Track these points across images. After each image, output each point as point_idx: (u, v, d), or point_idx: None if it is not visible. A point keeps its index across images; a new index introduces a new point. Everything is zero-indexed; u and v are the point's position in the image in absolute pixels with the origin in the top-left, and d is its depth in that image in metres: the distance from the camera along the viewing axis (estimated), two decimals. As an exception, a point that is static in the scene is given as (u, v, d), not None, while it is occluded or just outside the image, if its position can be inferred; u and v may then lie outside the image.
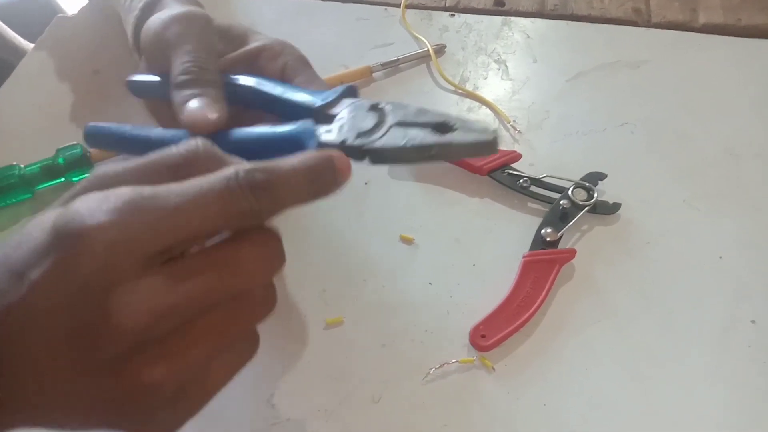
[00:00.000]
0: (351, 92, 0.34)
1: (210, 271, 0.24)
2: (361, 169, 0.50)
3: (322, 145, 0.30)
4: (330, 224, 0.47)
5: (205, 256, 0.25)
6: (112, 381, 0.23)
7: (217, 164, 0.26)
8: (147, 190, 0.24)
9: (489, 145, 0.28)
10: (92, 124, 0.37)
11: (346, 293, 0.44)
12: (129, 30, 0.47)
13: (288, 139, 0.31)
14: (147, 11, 0.44)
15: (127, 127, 0.36)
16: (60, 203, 0.25)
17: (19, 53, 0.69)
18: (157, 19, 0.38)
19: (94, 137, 0.37)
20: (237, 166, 0.25)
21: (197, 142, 0.26)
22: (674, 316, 0.42)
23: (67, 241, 0.22)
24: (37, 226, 0.24)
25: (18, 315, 0.23)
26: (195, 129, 0.33)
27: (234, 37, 0.40)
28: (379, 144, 0.29)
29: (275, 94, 0.35)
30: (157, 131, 0.36)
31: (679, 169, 0.49)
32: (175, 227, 0.23)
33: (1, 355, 0.23)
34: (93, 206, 0.23)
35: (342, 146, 0.30)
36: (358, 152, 0.29)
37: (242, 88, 0.37)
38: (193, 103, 0.33)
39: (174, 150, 0.26)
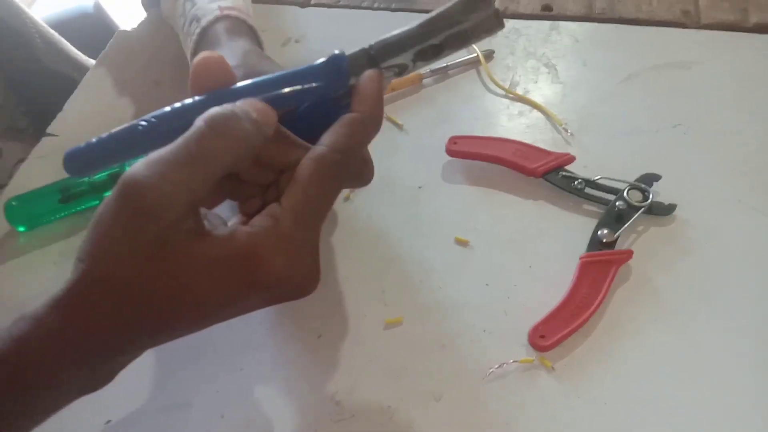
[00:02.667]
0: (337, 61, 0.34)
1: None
2: (414, 174, 0.51)
3: (354, 59, 0.33)
4: (386, 228, 0.48)
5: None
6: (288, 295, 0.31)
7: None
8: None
9: (491, 17, 0.32)
10: (67, 152, 0.34)
11: (404, 294, 0.45)
12: (188, 54, 0.49)
13: (319, 71, 0.33)
14: (204, 36, 0.47)
15: (106, 136, 0.33)
16: None
17: (80, 69, 0.73)
18: None
19: (74, 163, 0.34)
20: (328, 156, 0.30)
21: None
22: (732, 317, 0.42)
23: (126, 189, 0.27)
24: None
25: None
26: (207, 70, 0.33)
27: None
28: (391, 35, 0.33)
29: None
30: (139, 130, 0.33)
31: (733, 169, 0.49)
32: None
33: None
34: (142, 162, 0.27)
35: (367, 52, 0.33)
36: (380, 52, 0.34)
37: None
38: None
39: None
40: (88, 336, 0.27)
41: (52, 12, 1.02)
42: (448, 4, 0.33)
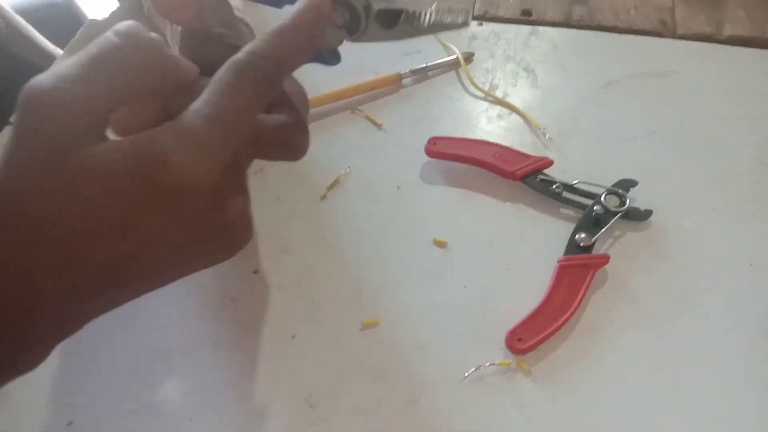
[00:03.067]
0: None
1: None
2: (393, 174, 0.50)
3: None
4: (364, 227, 0.48)
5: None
6: (208, 225, 0.27)
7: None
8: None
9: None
10: None
11: (382, 295, 0.44)
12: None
13: None
14: None
15: None
16: None
17: (47, 57, 0.70)
18: None
19: None
20: (247, 59, 0.27)
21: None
22: (708, 321, 0.42)
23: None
24: None
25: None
26: None
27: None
28: None
29: None
30: None
31: (710, 177, 0.50)
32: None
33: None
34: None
35: None
36: None
37: None
38: None
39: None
40: (9, 283, 0.24)
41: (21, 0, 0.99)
42: None
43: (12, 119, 0.25)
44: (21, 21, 0.70)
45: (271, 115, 0.32)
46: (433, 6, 0.34)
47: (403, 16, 0.34)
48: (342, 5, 0.32)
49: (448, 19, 0.34)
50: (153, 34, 0.27)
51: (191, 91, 0.28)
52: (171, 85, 0.28)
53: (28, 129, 0.24)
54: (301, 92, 0.35)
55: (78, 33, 0.67)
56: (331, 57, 0.34)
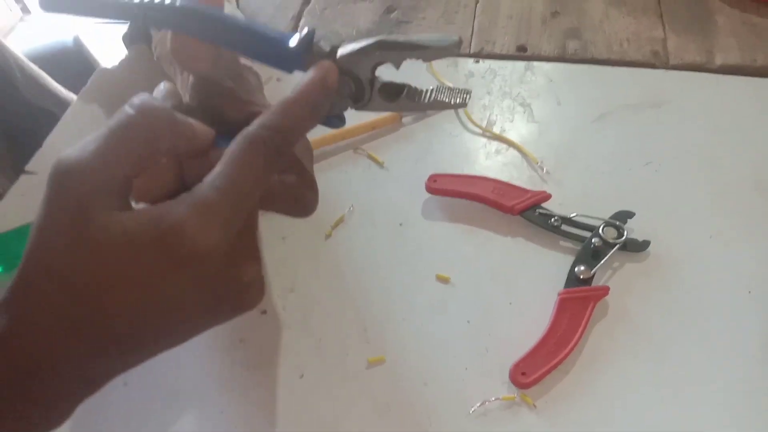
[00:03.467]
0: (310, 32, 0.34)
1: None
2: (395, 211, 0.52)
3: (317, 44, 0.33)
4: (368, 265, 0.49)
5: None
6: (222, 288, 0.29)
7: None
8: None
9: (453, 46, 0.33)
10: None
11: (387, 332, 0.45)
12: None
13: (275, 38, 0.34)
14: None
15: None
16: None
17: (60, 103, 0.73)
18: None
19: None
20: (257, 132, 0.29)
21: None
22: (709, 349, 0.43)
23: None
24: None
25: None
26: None
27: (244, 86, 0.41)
28: (351, 45, 0.33)
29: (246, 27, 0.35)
30: None
31: (706, 205, 0.50)
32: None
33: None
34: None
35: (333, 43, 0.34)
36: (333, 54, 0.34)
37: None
38: None
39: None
40: (36, 338, 0.26)
41: (32, 46, 1.02)
42: (423, 39, 0.34)
43: (27, 167, 0.27)
44: (35, 69, 0.73)
45: (282, 176, 0.34)
46: (435, 85, 0.36)
47: (405, 92, 0.35)
48: (348, 77, 0.34)
49: (448, 99, 0.36)
50: (167, 104, 0.29)
51: (206, 154, 0.30)
52: (186, 150, 0.30)
53: (55, 197, 0.26)
54: (308, 148, 0.36)
55: (89, 81, 0.69)
56: (335, 121, 0.36)
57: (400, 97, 0.35)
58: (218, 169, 0.28)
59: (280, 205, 0.35)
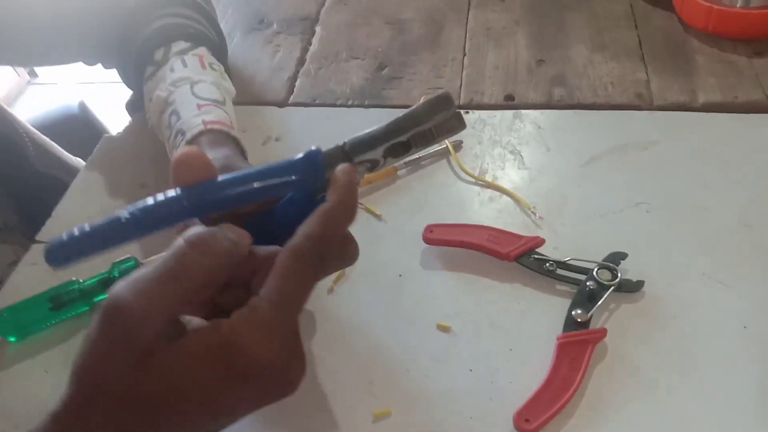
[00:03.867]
0: (312, 156, 0.36)
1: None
2: (394, 262, 0.53)
3: (329, 155, 0.36)
4: (370, 317, 0.50)
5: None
6: (272, 387, 0.32)
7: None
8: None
9: (453, 118, 0.36)
10: (49, 244, 0.34)
11: (392, 384, 0.46)
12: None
13: (296, 165, 0.35)
14: None
15: (88, 229, 0.34)
16: None
17: (68, 170, 0.75)
18: None
19: (56, 255, 0.34)
20: (303, 245, 0.32)
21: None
22: (709, 386, 0.43)
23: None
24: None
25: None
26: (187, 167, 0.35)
27: None
28: (362, 134, 0.36)
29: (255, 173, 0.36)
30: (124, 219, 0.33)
31: (697, 243, 0.52)
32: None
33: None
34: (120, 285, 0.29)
35: (341, 148, 0.36)
36: (354, 150, 0.36)
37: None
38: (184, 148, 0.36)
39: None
40: None
41: (39, 113, 1.06)
42: (415, 106, 0.37)
43: (96, 321, 0.29)
44: (46, 140, 0.76)
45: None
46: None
47: (411, 149, 0.38)
48: (366, 162, 0.37)
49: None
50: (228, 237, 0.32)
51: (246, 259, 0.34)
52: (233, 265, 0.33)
53: (110, 329, 0.29)
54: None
55: (96, 148, 0.72)
56: None
57: (408, 152, 0.38)
58: (272, 284, 0.31)
59: (329, 269, 0.39)
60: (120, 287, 0.29)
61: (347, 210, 0.34)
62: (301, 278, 0.32)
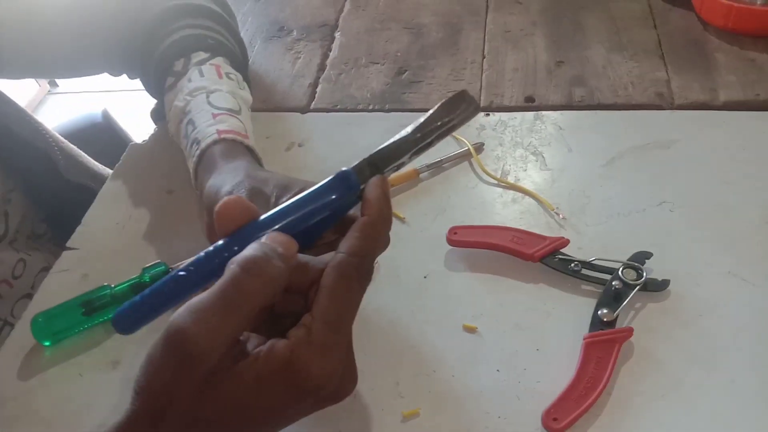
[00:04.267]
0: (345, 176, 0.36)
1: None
2: (419, 264, 0.54)
3: (360, 170, 0.36)
4: (396, 319, 0.51)
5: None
6: (328, 399, 0.35)
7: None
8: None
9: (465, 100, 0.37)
10: (115, 314, 0.34)
11: (419, 385, 0.46)
12: (191, 172, 0.54)
13: (331, 189, 0.36)
14: (202, 159, 0.52)
15: (148, 292, 0.34)
16: None
17: (96, 177, 0.77)
18: (213, 188, 0.47)
19: (124, 323, 0.34)
20: (347, 261, 0.33)
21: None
22: (734, 384, 0.43)
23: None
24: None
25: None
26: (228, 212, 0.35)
27: (276, 188, 0.45)
28: (389, 143, 0.37)
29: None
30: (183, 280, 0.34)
31: (721, 241, 0.52)
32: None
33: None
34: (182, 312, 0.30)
35: (369, 161, 0.37)
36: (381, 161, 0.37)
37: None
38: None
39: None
40: None
41: (64, 122, 1.08)
42: (435, 108, 0.37)
43: (158, 345, 0.31)
44: (74, 149, 0.77)
45: None
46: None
47: (434, 142, 0.38)
48: (393, 168, 0.38)
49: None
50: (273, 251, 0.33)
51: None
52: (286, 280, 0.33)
53: (178, 358, 0.30)
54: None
55: (123, 156, 0.73)
56: None
57: (432, 146, 0.38)
58: (324, 303, 0.32)
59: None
60: (182, 317, 0.30)
61: (386, 221, 0.35)
62: (350, 295, 0.33)
